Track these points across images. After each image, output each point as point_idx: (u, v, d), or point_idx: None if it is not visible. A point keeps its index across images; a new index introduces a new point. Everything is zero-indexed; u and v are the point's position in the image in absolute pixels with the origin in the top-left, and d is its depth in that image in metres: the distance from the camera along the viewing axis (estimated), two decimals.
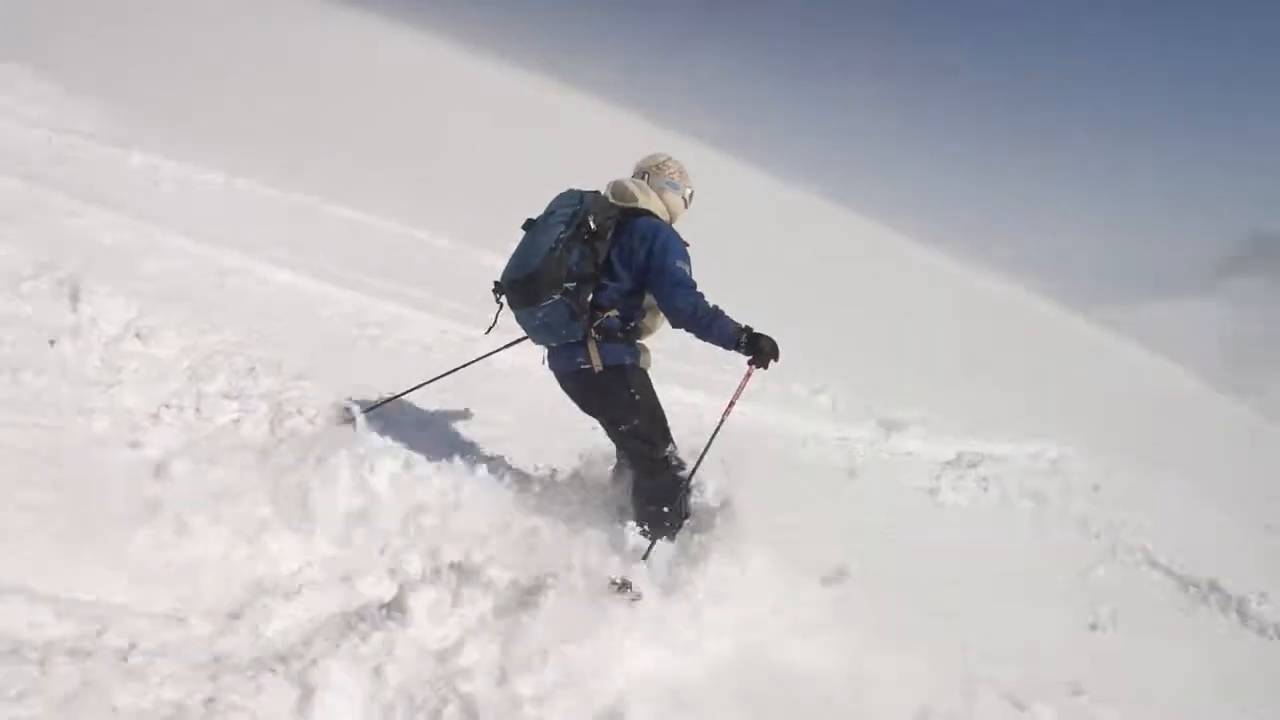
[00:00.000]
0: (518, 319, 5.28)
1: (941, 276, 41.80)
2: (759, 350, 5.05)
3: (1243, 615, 10.56)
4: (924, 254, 48.74)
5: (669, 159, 5.73)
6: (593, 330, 5.14)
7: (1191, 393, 38.21)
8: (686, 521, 5.48)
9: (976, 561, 9.87)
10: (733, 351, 5.21)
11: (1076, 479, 13.97)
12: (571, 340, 5.13)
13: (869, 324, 25.77)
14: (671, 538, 5.27)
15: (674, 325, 5.16)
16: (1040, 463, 14.23)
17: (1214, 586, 10.91)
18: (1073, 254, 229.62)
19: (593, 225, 5.13)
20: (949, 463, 12.07)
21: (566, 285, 5.05)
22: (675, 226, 5.51)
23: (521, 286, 5.05)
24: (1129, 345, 45.89)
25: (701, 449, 5.56)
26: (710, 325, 5.03)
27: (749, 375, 5.24)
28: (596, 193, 5.30)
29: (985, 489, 11.41)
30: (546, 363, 5.45)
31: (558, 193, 5.37)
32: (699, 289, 5.06)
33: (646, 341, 5.48)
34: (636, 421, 5.23)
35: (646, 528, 5.22)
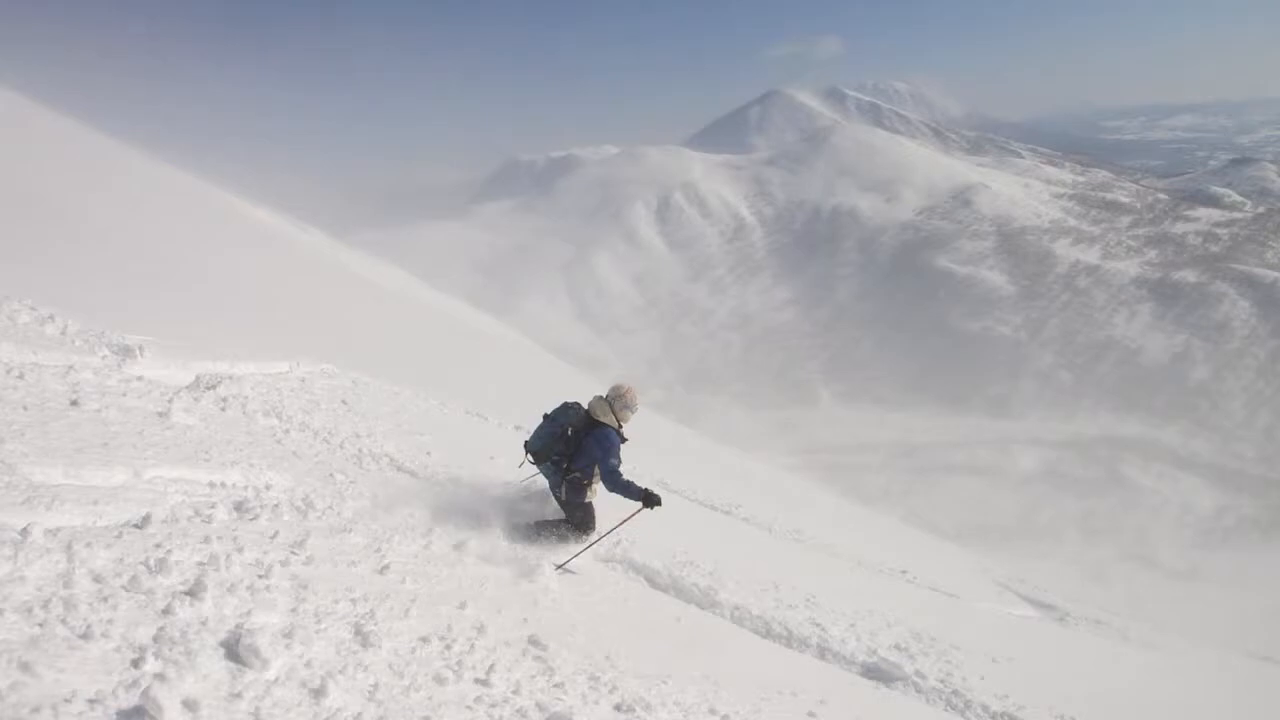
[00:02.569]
0: (535, 464, 11.20)
1: (216, 211, 41.23)
2: (649, 501, 10.38)
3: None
4: (200, 188, 44.92)
5: (628, 390, 11.37)
6: (565, 480, 10.99)
7: (443, 310, 39.29)
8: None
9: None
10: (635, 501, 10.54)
11: (323, 394, 15.08)
12: (558, 480, 11.05)
13: (128, 256, 25.94)
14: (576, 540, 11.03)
15: (606, 489, 10.77)
16: (288, 381, 15.08)
17: (454, 481, 12.46)
18: (338, 182, 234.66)
19: (569, 432, 10.99)
20: (187, 386, 12.34)
21: (554, 457, 11.02)
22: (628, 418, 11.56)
23: (534, 454, 11.04)
24: (389, 267, 46.99)
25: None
26: (624, 490, 10.51)
27: (638, 511, 10.55)
28: (580, 407, 11.13)
29: (223, 408, 11.74)
30: (542, 476, 11.45)
31: (563, 400, 11.37)
32: (620, 469, 10.65)
33: (593, 487, 11.12)
34: (577, 514, 11.00)
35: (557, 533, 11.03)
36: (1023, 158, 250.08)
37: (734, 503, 22.81)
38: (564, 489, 10.93)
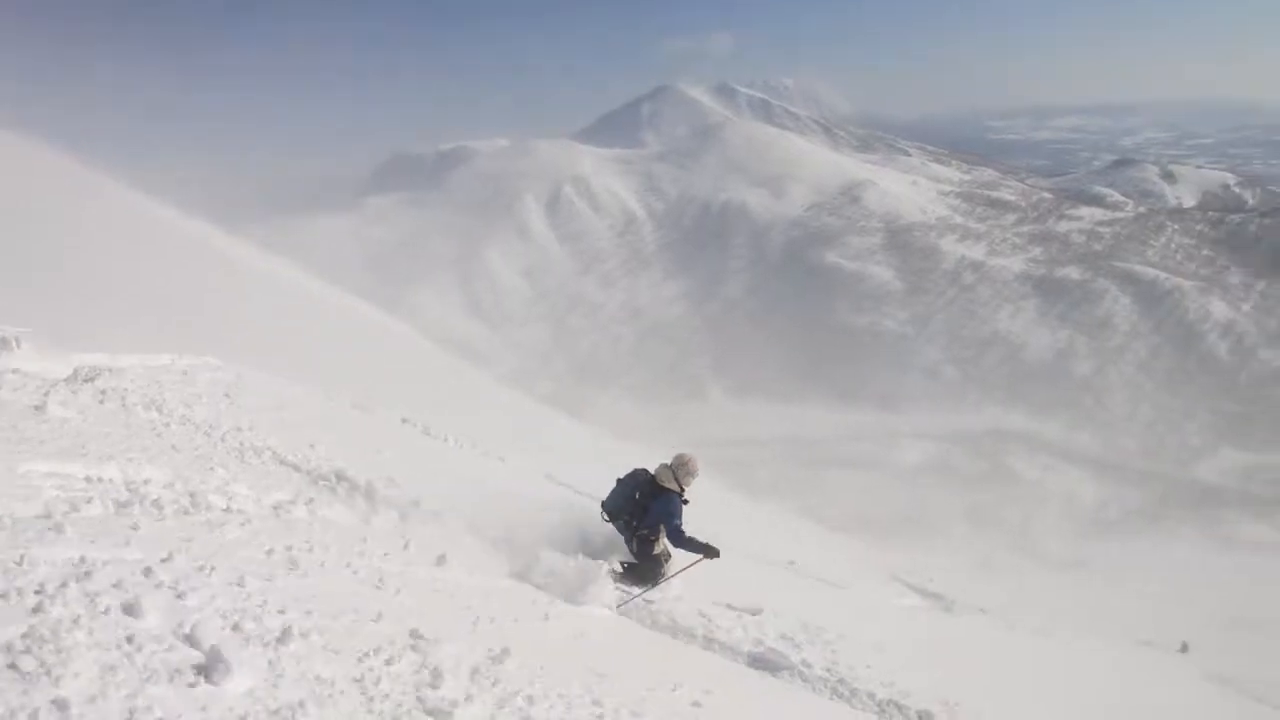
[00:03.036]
0: (610, 522, 13.32)
1: (98, 200, 41.14)
2: (709, 553, 12.51)
3: (369, 498, 11.87)
4: (82, 175, 44.84)
5: (690, 459, 13.23)
6: (635, 536, 13.01)
7: (332, 303, 39.37)
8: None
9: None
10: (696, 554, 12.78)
11: (205, 387, 14.81)
12: (629, 535, 13.10)
13: (3, 246, 25.71)
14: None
15: (671, 545, 12.93)
16: (170, 374, 14.91)
17: (341, 476, 12.12)
18: (226, 174, 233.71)
19: (637, 497, 13.02)
20: (65, 379, 12.12)
21: (626, 518, 13.09)
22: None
23: (609, 514, 13.20)
24: (277, 260, 46.83)
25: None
26: (687, 545, 12.55)
27: (698, 560, 12.68)
28: (649, 474, 13.05)
29: (102, 401, 11.48)
30: (617, 530, 13.42)
31: (634, 467, 13.51)
32: (683, 527, 12.61)
33: (660, 541, 13.16)
34: (645, 565, 12.99)
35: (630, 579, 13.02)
36: (910, 155, 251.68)
37: None
38: (634, 544, 13.12)
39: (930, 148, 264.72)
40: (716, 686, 8.91)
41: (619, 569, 13.06)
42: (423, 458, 17.86)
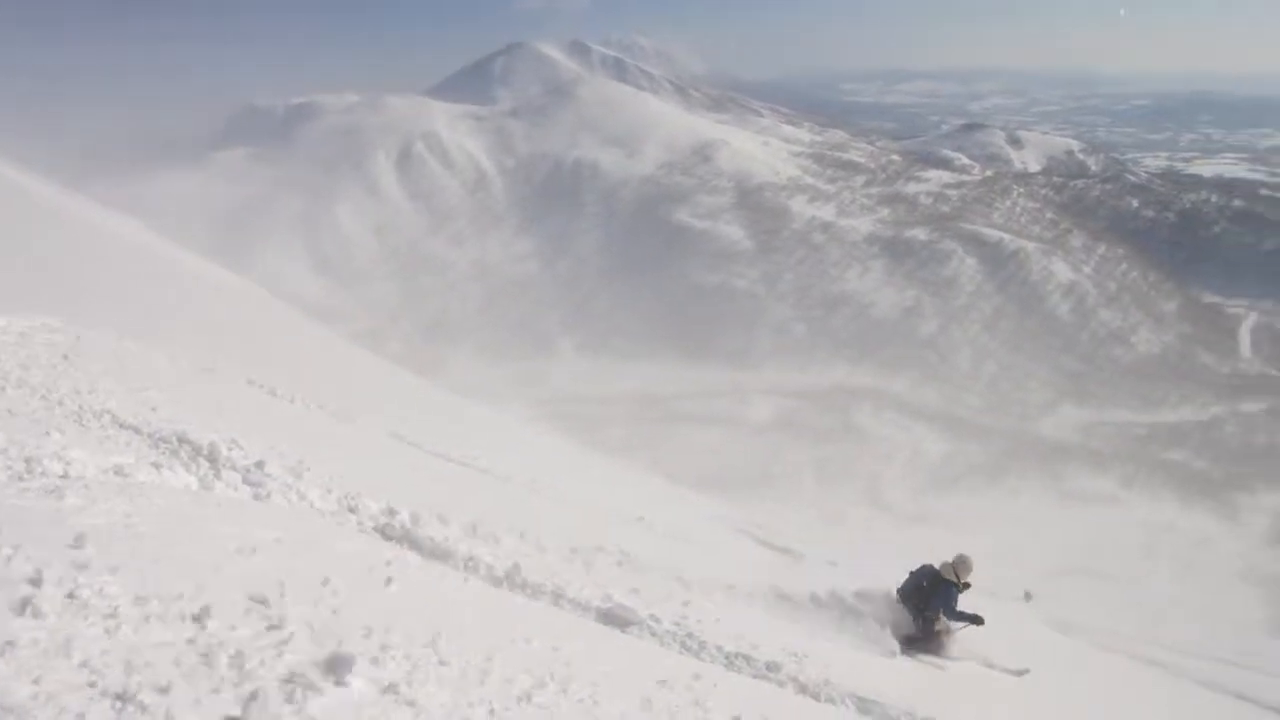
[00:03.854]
0: (902, 604, 16.27)
1: None
2: (977, 621, 15.96)
3: (212, 461, 11.33)
4: None
5: (968, 559, 16.35)
6: (921, 616, 16.11)
7: (177, 262, 38.71)
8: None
9: None
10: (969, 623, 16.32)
11: (43, 349, 14.20)
12: (915, 614, 16.09)
13: None
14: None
15: (950, 622, 16.26)
16: (6, 336, 14.46)
17: (183, 439, 11.54)
18: (68, 130, 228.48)
19: (925, 585, 16.24)
20: None
21: (915, 601, 16.18)
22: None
23: (901, 597, 16.18)
24: (121, 218, 46.00)
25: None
26: (962, 619, 16.08)
27: (968, 625, 16.05)
28: (935, 569, 16.24)
29: None
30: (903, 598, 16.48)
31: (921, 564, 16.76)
32: (958, 607, 16.08)
33: (940, 621, 16.45)
34: (927, 638, 16.15)
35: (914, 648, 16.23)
36: (763, 116, 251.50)
37: (471, 454, 22.50)
38: (919, 623, 16.17)
39: (783, 109, 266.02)
40: (564, 642, 8.86)
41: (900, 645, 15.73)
42: (268, 419, 17.33)
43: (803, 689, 10.87)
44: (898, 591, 16.41)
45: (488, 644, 7.82)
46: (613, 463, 50.86)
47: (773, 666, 11.02)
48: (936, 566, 16.51)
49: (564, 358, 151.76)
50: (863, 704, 11.00)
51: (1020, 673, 16.07)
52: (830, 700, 10.86)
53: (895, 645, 15.33)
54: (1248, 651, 50.62)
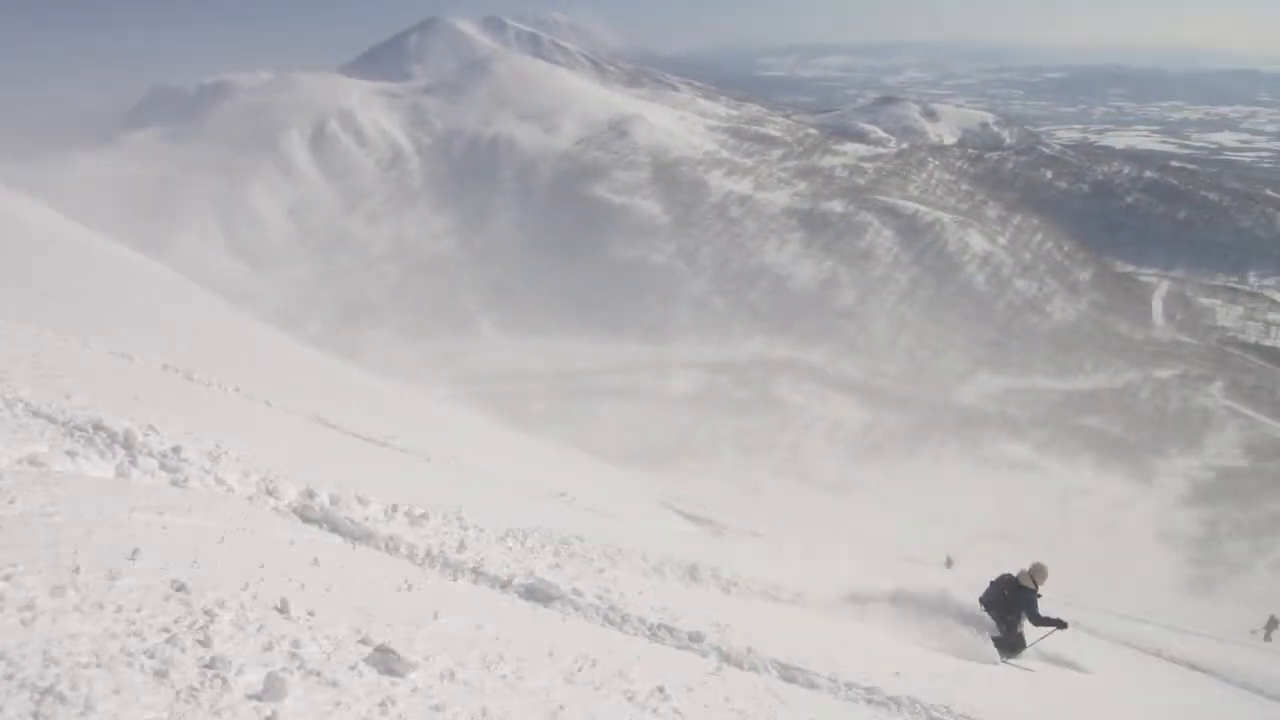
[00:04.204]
0: (985, 612, 17.41)
1: None
2: (1061, 625, 17.37)
3: (129, 448, 11.08)
4: None
5: (1044, 567, 17.57)
6: (1004, 621, 17.20)
7: (89, 245, 38.67)
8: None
9: None
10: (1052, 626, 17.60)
11: None
12: (999, 618, 17.22)
13: None
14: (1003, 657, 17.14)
15: (1032, 625, 17.37)
16: None
17: (99, 426, 11.26)
18: None
19: (1006, 594, 17.42)
20: None
21: (999, 608, 17.27)
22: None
23: (985, 606, 17.26)
24: (29, 201, 45.59)
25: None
26: (1044, 623, 17.21)
27: (1053, 630, 17.39)
28: (1013, 577, 17.59)
29: None
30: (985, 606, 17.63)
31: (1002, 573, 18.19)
32: (1039, 610, 17.30)
33: (1020, 624, 17.64)
34: (1011, 640, 17.23)
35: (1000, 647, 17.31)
36: (679, 91, 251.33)
37: (391, 434, 22.25)
38: (1003, 627, 17.27)
39: (699, 83, 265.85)
40: (487, 619, 8.89)
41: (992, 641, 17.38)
42: (185, 404, 16.87)
43: (726, 658, 10.88)
44: (980, 600, 17.68)
45: (410, 623, 7.83)
46: (534, 439, 50.70)
47: (695, 637, 11.05)
48: (1014, 575, 17.93)
49: (483, 335, 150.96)
50: (784, 670, 11.02)
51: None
52: (754, 668, 10.87)
53: (997, 655, 16.78)
54: (1163, 609, 51.55)
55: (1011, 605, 17.44)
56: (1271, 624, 50.60)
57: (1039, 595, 17.66)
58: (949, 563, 48.88)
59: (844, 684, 11.21)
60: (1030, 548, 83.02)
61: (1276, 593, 77.13)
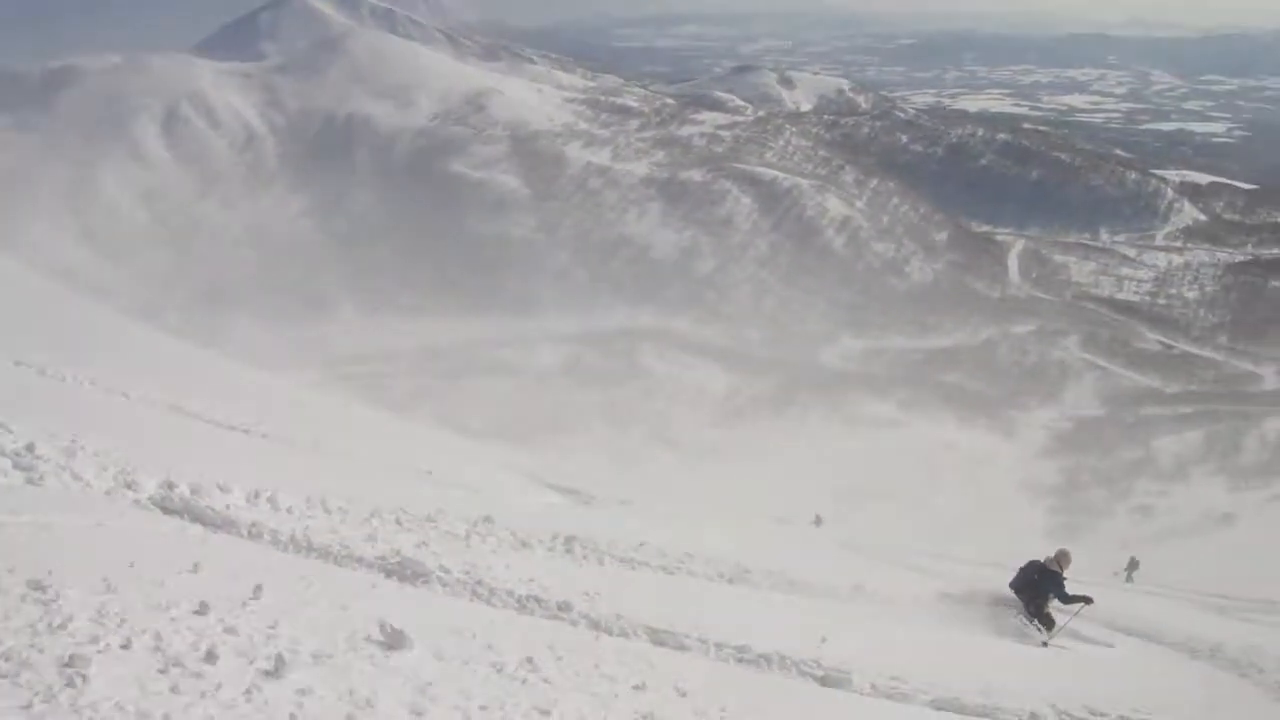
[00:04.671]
0: (1016, 596, 19.54)
1: None
2: (1088, 600, 19.45)
3: None
4: None
5: (1067, 553, 19.83)
6: (1034, 602, 19.16)
7: None
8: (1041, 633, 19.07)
9: None
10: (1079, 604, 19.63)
11: None
12: (1029, 599, 19.20)
13: None
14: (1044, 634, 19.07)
15: (1061, 604, 19.37)
16: None
17: None
18: None
19: (1036, 578, 19.27)
20: None
21: (1029, 591, 19.22)
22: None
23: (1015, 590, 19.34)
24: None
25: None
26: (1072, 600, 19.27)
27: (1082, 607, 19.43)
28: (1041, 563, 19.43)
29: None
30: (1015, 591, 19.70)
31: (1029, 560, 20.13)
32: (1066, 589, 19.21)
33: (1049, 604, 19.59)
34: (1042, 619, 19.09)
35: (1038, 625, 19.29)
36: (536, 64, 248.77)
37: (254, 420, 21.92)
38: (1032, 607, 18.97)
39: (556, 55, 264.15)
40: (353, 601, 8.87)
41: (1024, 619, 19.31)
42: (38, 400, 16.59)
43: (595, 625, 11.02)
44: (1011, 585, 19.65)
45: (274, 610, 7.75)
46: (399, 419, 50.40)
47: (564, 606, 11.14)
48: (1041, 561, 19.70)
49: (345, 317, 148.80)
50: (654, 634, 11.13)
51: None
52: (623, 634, 11.01)
53: (1041, 636, 18.72)
54: (1029, 556, 52.69)
55: (1041, 588, 19.26)
56: (1132, 565, 52.20)
57: (1065, 578, 19.51)
58: (818, 521, 49.46)
59: (714, 644, 11.34)
60: (898, 504, 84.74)
61: (1136, 536, 79.57)
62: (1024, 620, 19.18)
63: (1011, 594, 19.85)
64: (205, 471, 12.48)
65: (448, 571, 11.24)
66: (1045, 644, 18.52)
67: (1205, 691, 16.62)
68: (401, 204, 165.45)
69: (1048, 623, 19.27)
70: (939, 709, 11.51)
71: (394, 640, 7.82)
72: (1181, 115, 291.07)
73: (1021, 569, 19.81)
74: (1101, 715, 12.56)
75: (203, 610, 7.18)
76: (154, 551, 8.72)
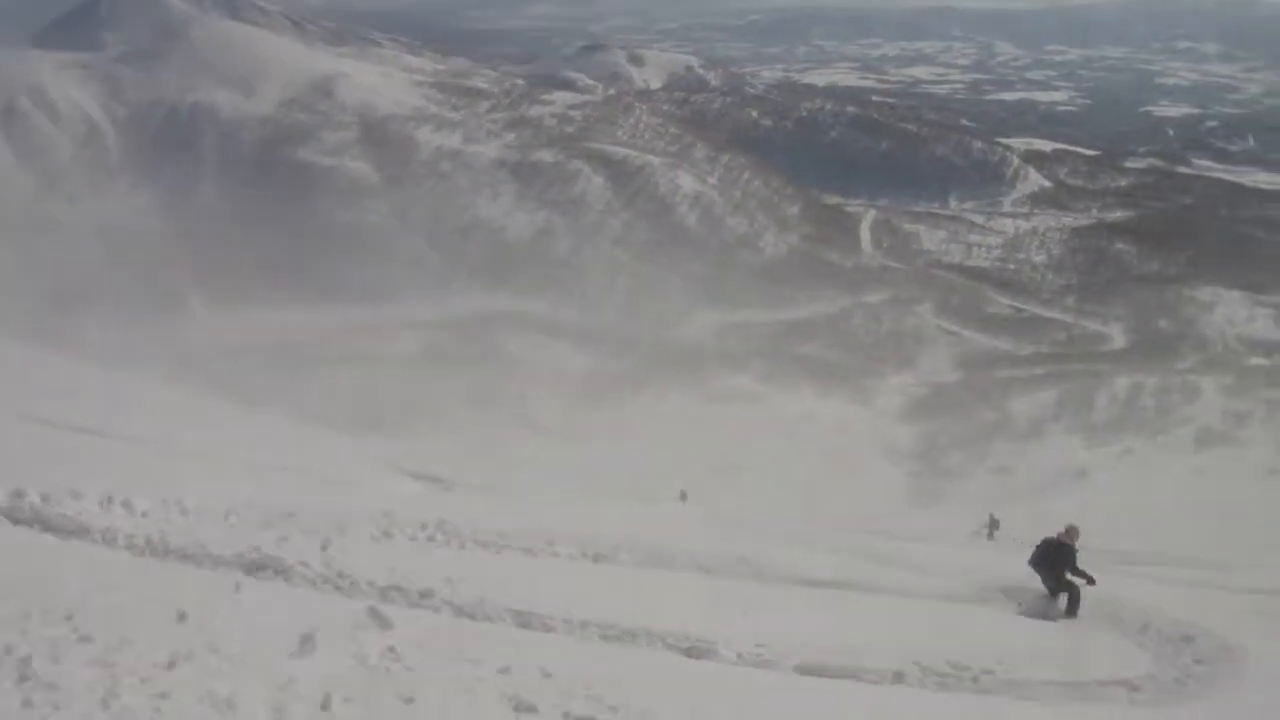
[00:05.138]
0: (1035, 570, 20.53)
1: None
2: (1090, 580, 20.03)
3: None
4: None
5: (1076, 528, 20.80)
6: (1053, 574, 20.11)
7: None
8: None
9: None
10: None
11: None
12: (1047, 573, 20.26)
13: None
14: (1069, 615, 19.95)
15: (1071, 575, 20.10)
16: None
17: None
18: None
19: (1052, 553, 20.29)
20: None
21: (1046, 566, 20.25)
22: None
23: (1033, 566, 20.37)
24: None
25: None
26: (1082, 575, 19.99)
27: (1088, 584, 20.02)
28: (1055, 540, 20.48)
29: None
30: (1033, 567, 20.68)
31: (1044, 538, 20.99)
32: (1079, 564, 20.10)
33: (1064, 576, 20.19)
34: (1063, 590, 20.12)
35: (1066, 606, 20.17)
36: (384, 47, 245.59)
37: (106, 423, 21.57)
38: (1050, 583, 19.92)
39: (404, 39, 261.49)
40: (213, 598, 8.91)
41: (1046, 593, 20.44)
42: None
43: (459, 611, 11.06)
44: (1029, 562, 20.71)
45: (129, 614, 7.65)
46: (257, 414, 49.75)
47: (426, 594, 11.21)
48: (1055, 537, 20.82)
49: (196, 312, 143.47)
50: (519, 616, 11.22)
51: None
52: (488, 618, 11.09)
53: (1060, 611, 19.95)
54: (894, 520, 53.62)
55: (1057, 561, 20.35)
56: (993, 524, 53.48)
57: (1077, 550, 20.71)
58: (683, 496, 49.75)
59: (579, 624, 11.41)
60: (761, 476, 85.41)
61: (994, 496, 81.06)
62: (1045, 600, 20.32)
63: (1031, 569, 21.08)
64: (55, 478, 12.28)
65: (308, 565, 11.19)
66: (1074, 616, 19.73)
67: (1070, 643, 17.23)
68: (250, 194, 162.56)
69: (1073, 593, 20.29)
70: (804, 674, 11.71)
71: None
72: (1025, 85, 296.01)
73: (1038, 546, 20.98)
74: (965, 669, 13.13)
75: (51, 612, 7.12)
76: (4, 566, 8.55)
